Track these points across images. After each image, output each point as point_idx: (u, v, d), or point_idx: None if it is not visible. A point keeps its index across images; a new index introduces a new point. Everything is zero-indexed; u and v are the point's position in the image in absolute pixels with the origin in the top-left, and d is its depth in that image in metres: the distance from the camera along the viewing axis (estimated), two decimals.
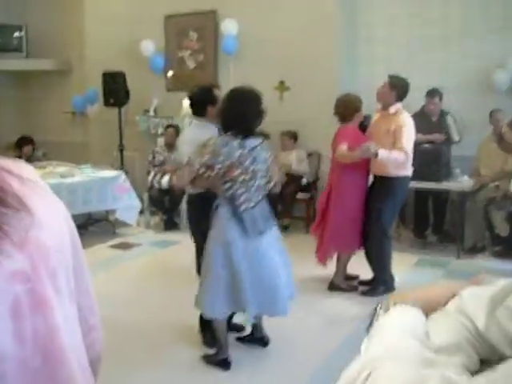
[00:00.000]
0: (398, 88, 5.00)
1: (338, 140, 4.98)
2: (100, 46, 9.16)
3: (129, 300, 5.04)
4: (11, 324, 0.80)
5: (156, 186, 7.56)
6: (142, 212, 7.55)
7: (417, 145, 6.33)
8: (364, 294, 5.14)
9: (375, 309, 1.10)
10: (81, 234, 0.98)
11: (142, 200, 7.55)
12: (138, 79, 8.52)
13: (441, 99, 6.64)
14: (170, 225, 7.49)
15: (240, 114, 3.56)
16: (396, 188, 5.00)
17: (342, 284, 5.26)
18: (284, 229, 7.08)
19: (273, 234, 3.75)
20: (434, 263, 5.96)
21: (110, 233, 7.32)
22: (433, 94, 6.59)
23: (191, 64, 8.50)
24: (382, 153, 4.69)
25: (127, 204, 7.26)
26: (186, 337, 4.29)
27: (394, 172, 4.94)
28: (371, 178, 5.20)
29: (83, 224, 7.23)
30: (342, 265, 5.26)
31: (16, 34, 10.30)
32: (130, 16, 8.80)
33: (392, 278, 5.17)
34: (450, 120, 6.61)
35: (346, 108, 5.01)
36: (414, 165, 5.94)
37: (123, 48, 8.83)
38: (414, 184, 6.23)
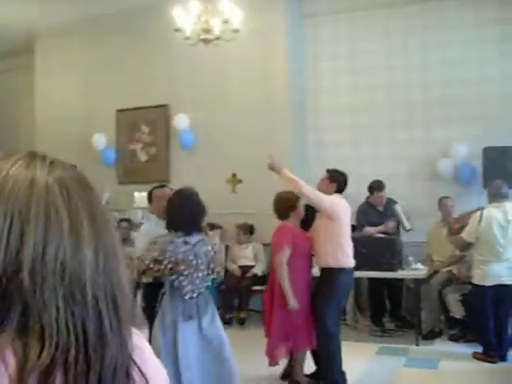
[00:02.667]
0: (337, 181, 5.08)
1: (278, 239, 4.96)
2: (51, 138, 9.08)
3: None
4: None
5: None
6: None
7: (369, 236, 6.57)
8: None
9: None
10: None
11: None
12: (89, 172, 8.23)
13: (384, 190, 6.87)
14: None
15: (180, 215, 3.95)
16: (339, 281, 4.87)
17: (302, 381, 5.02)
18: (241, 323, 7.01)
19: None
20: (394, 352, 5.95)
21: None
22: (379, 188, 6.81)
23: (143, 157, 8.56)
24: (286, 172, 4.86)
25: None
26: None
27: (337, 263, 4.86)
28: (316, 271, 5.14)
29: None
30: (298, 363, 5.04)
31: None
32: (82, 109, 8.88)
33: (343, 377, 4.90)
34: (398, 209, 6.79)
35: (281, 206, 5.03)
36: (367, 254, 6.10)
37: (74, 141, 8.81)
38: (368, 273, 6.37)
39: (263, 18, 7.58)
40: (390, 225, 6.69)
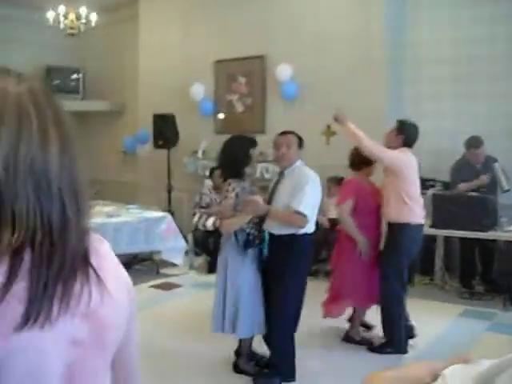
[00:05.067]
0: (405, 134, 4.85)
1: (341, 192, 5.00)
2: (152, 88, 9.43)
3: (164, 343, 5.05)
4: None
5: (201, 227, 7.60)
6: (186, 253, 7.62)
7: (461, 194, 6.31)
8: (371, 350, 4.83)
9: None
10: None
11: (186, 240, 7.63)
12: (187, 122, 8.72)
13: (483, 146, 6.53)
14: (214, 267, 7.44)
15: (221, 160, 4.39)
16: (401, 236, 4.73)
17: (356, 337, 5.03)
18: (327, 275, 7.00)
19: None
20: (480, 315, 5.76)
21: (154, 272, 7.41)
22: (476, 144, 6.48)
23: (239, 107, 8.65)
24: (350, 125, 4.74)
25: (173, 245, 7.39)
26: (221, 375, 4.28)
27: (399, 218, 4.73)
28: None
29: (128, 262, 7.30)
30: (357, 318, 5.10)
31: (74, 76, 10.74)
32: (181, 60, 9.08)
33: (404, 340, 4.79)
34: (498, 168, 6.45)
35: (357, 157, 4.92)
36: (458, 213, 5.90)
37: (174, 91, 9.07)
38: (457, 233, 6.17)
39: None
40: (484, 178, 6.38)
